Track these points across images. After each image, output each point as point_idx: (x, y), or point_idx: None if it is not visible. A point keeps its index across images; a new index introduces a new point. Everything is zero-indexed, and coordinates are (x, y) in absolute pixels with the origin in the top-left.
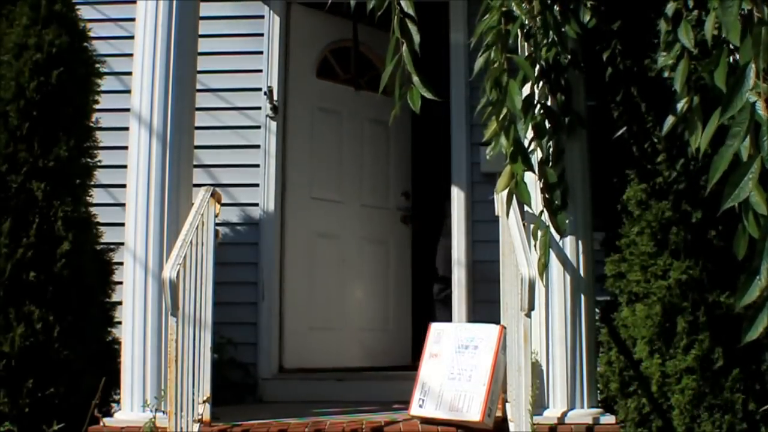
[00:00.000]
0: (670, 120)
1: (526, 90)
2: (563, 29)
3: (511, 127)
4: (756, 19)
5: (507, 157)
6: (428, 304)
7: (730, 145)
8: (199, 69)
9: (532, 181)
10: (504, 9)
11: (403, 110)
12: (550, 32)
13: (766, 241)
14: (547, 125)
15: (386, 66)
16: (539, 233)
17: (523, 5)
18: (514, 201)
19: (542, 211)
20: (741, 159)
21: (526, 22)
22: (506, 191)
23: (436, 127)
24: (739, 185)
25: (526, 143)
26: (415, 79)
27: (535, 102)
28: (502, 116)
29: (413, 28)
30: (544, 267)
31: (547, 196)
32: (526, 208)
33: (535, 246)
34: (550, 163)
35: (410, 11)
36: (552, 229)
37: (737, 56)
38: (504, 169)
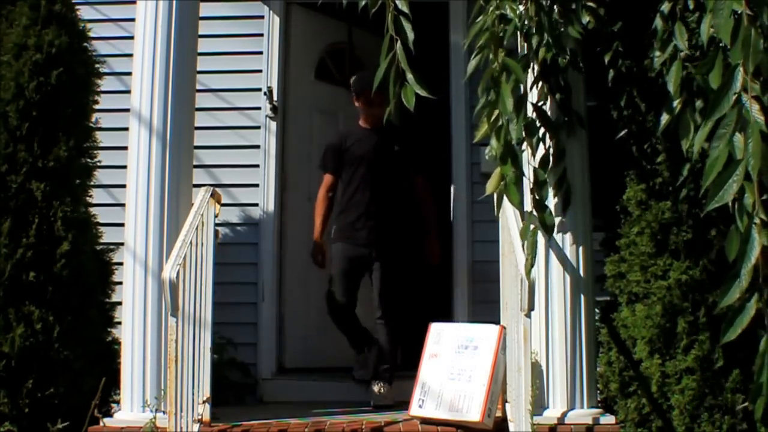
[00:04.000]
0: (664, 119)
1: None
2: (562, 30)
3: (501, 128)
4: (746, 20)
5: (497, 158)
6: (426, 303)
7: (716, 146)
8: (199, 69)
9: (525, 180)
10: (498, 12)
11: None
12: (545, 34)
13: (747, 243)
14: (539, 125)
15: (380, 64)
16: (528, 232)
17: (519, 6)
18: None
19: (531, 211)
20: (735, 159)
21: (526, 22)
22: (497, 192)
23: (435, 127)
24: (724, 187)
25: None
26: (410, 76)
27: (527, 101)
28: (493, 118)
29: (407, 26)
30: (530, 267)
31: (536, 196)
32: (526, 207)
33: (523, 246)
34: (550, 164)
35: (404, 8)
36: (540, 229)
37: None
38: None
